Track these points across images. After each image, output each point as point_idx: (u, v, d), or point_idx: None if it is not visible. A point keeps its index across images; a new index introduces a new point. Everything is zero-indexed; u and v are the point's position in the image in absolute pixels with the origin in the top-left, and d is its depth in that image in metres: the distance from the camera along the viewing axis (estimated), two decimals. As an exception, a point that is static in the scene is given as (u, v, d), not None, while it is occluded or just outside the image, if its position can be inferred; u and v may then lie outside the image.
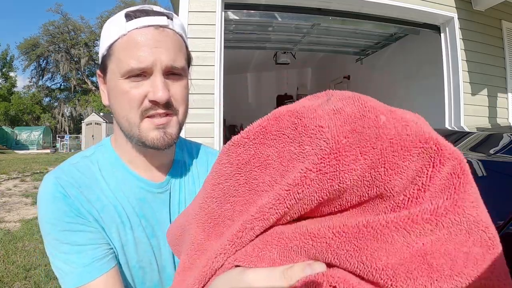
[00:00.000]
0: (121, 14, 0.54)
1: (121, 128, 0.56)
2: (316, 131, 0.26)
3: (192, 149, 0.72)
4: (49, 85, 35.23)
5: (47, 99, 35.75)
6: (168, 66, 0.52)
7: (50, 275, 2.44)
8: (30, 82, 34.78)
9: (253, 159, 0.29)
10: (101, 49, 0.56)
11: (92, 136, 20.53)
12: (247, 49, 5.34)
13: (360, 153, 0.24)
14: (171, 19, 0.55)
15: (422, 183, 0.24)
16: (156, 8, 0.55)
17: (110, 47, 0.54)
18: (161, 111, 0.53)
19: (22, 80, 66.41)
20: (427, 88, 4.41)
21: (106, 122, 20.74)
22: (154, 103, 0.52)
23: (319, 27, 4.21)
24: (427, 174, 0.24)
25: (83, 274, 0.50)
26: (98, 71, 0.59)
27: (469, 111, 3.53)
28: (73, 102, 34.63)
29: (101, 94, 0.60)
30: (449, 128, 2.09)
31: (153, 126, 0.53)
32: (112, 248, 0.55)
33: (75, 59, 33.51)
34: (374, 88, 5.73)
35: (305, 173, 0.25)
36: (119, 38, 0.53)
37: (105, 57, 0.55)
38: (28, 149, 21.44)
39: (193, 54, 0.63)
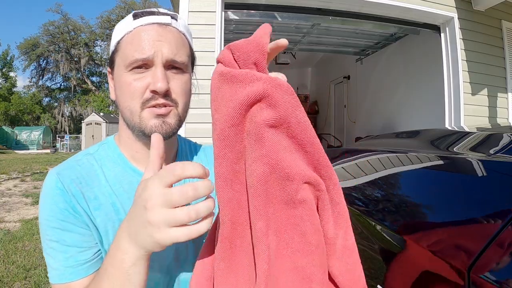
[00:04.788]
0: (130, 15, 0.59)
1: (124, 120, 0.59)
2: None
3: (192, 147, 0.74)
4: (49, 85, 35.23)
5: (47, 99, 35.77)
6: (168, 58, 0.56)
7: (50, 275, 2.44)
8: (30, 82, 34.79)
9: None
10: (111, 47, 0.61)
11: (92, 136, 20.53)
12: (247, 49, 5.33)
13: None
14: (175, 19, 0.60)
15: None
16: (162, 10, 0.60)
17: (117, 43, 0.59)
18: (160, 101, 0.56)
19: (22, 80, 66.65)
20: (427, 88, 4.41)
21: (106, 122, 20.74)
22: (154, 93, 0.55)
23: (319, 27, 4.21)
24: None
25: (65, 273, 0.54)
26: (108, 68, 0.63)
27: (469, 111, 3.53)
28: (73, 102, 34.59)
29: (110, 90, 0.64)
30: (449, 128, 2.08)
31: (153, 115, 0.56)
32: (100, 251, 0.57)
33: (75, 59, 33.48)
34: (374, 88, 5.72)
35: None
36: (125, 35, 0.58)
37: (113, 53, 0.60)
38: (28, 149, 21.43)
39: (193, 54, 0.65)
